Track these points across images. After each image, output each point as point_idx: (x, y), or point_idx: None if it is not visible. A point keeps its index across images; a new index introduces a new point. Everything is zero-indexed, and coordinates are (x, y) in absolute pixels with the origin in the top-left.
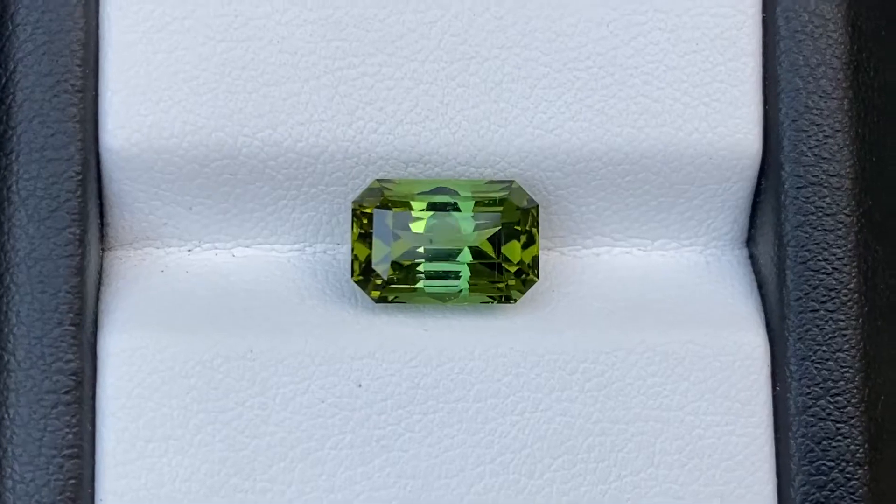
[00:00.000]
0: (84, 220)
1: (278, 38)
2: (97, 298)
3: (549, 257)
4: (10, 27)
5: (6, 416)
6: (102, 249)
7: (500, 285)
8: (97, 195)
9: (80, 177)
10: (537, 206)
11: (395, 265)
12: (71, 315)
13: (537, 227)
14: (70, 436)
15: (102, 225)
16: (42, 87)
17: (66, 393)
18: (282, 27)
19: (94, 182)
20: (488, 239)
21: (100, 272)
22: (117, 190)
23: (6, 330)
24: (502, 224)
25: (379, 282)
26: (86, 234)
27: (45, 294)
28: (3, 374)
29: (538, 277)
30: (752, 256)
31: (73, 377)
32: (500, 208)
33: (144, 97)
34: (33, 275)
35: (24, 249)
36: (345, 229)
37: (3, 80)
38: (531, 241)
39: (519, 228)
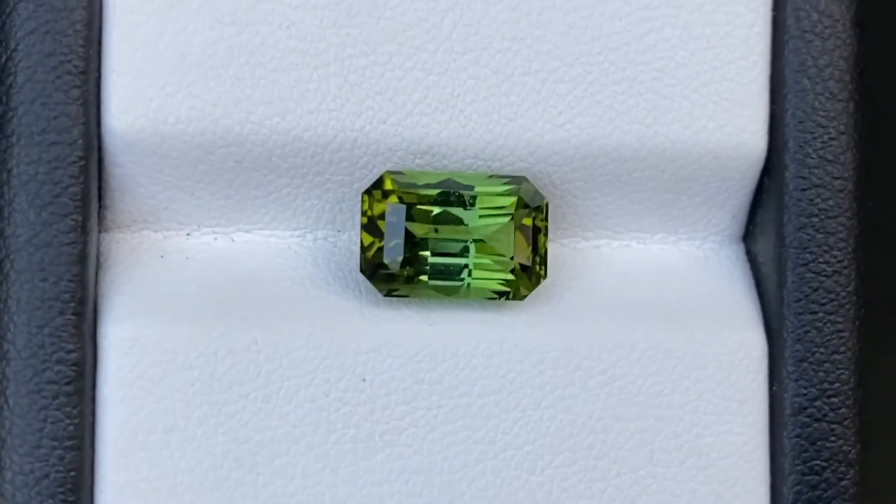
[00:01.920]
0: (86, 207)
1: (288, 22)
2: (96, 283)
3: (550, 248)
4: (11, 4)
5: (6, 405)
6: (99, 231)
7: (508, 281)
8: (97, 178)
9: (83, 161)
10: (547, 202)
11: (403, 258)
12: (73, 304)
13: (547, 223)
14: (71, 427)
15: (101, 207)
16: (44, 68)
17: (68, 384)
18: (291, 12)
19: (96, 166)
20: (496, 234)
21: (97, 255)
22: (119, 174)
23: (6, 318)
24: (511, 219)
25: (388, 274)
26: (88, 220)
27: (47, 282)
28: (3, 363)
29: (546, 276)
30: (748, 252)
31: (75, 367)
32: (510, 203)
33: (150, 80)
34: (34, 262)
35: (25, 236)
36: (346, 217)
37: (4, 60)
38: (540, 237)
39: (528, 224)
